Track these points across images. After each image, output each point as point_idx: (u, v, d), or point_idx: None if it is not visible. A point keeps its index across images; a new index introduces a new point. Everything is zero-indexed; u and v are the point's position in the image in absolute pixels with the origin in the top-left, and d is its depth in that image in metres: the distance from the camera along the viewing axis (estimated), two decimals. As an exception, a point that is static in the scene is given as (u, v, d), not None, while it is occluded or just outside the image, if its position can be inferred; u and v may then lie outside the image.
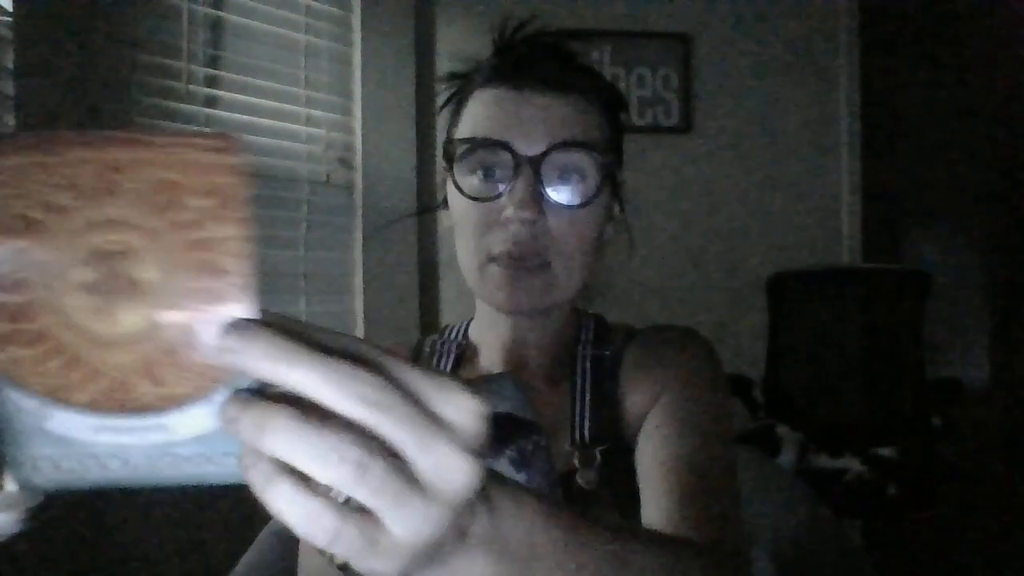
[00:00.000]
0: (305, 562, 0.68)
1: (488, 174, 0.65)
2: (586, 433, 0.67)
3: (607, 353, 0.71)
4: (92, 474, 0.30)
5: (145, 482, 0.29)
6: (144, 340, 0.28)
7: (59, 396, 0.28)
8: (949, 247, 3.28)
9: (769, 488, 0.96)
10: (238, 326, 0.27)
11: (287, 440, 0.26)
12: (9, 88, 1.25)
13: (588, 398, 0.68)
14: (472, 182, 0.66)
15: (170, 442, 0.29)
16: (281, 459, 0.27)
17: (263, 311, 0.28)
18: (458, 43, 2.18)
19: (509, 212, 0.63)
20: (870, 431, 2.16)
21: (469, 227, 0.66)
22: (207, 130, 0.27)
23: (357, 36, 1.97)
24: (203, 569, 1.50)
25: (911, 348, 2.21)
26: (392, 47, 2.04)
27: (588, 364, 0.70)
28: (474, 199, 0.65)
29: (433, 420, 0.28)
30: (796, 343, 2.31)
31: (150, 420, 0.28)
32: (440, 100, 0.74)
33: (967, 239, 3.29)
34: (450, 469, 0.28)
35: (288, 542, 0.84)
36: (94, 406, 0.28)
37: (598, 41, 2.31)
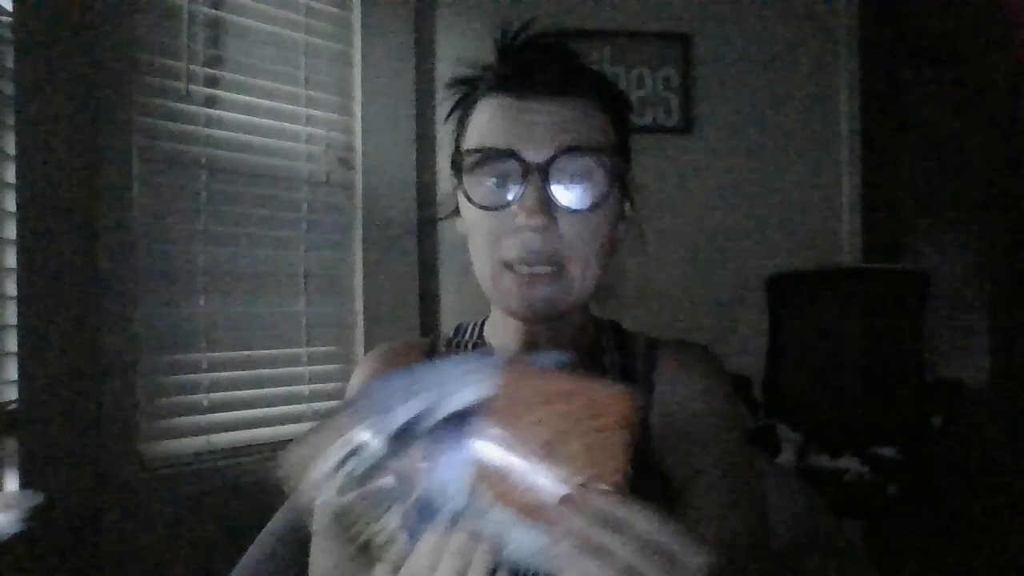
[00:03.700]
0: (319, 560, 0.69)
1: (497, 183, 0.66)
2: None
3: (635, 367, 0.72)
4: None
5: None
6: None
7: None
8: (949, 247, 3.28)
9: (769, 488, 0.96)
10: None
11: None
12: (9, 88, 1.25)
13: None
14: (482, 191, 0.66)
15: None
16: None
17: None
18: (458, 43, 2.17)
19: (520, 219, 0.64)
20: (870, 431, 2.16)
21: (482, 235, 0.67)
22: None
23: (357, 36, 1.97)
24: (203, 569, 1.51)
25: (911, 348, 2.21)
26: (392, 47, 2.04)
27: (617, 377, 0.72)
28: (485, 208, 0.66)
29: None
30: (796, 343, 2.31)
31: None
32: (442, 104, 0.74)
33: (967, 239, 3.29)
34: None
35: (287, 543, 0.84)
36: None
37: (598, 41, 2.31)
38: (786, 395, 2.27)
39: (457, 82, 0.72)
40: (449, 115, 0.73)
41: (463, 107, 0.72)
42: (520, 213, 0.64)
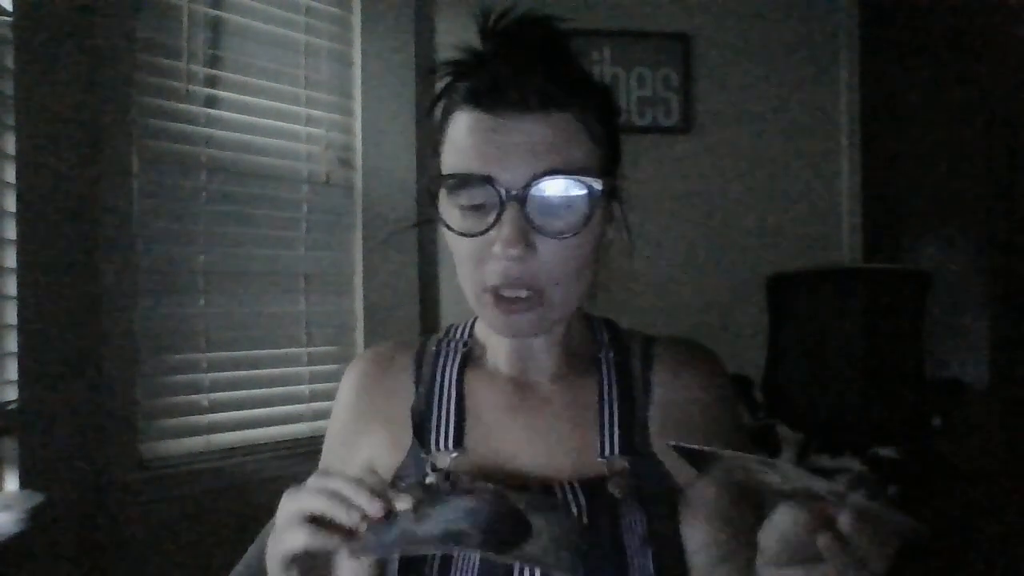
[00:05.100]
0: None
1: (474, 208, 0.62)
2: (616, 444, 0.68)
3: (631, 364, 0.72)
4: None
5: None
6: None
7: None
8: (949, 247, 3.28)
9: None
10: None
11: None
12: (9, 88, 1.25)
13: (617, 409, 0.69)
14: (458, 217, 0.63)
15: None
16: None
17: None
18: (458, 43, 2.17)
19: (497, 248, 0.61)
20: (870, 431, 2.16)
21: (462, 258, 0.65)
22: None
23: (357, 36, 1.97)
24: (203, 569, 1.50)
25: (911, 348, 2.21)
26: (392, 47, 2.04)
27: (613, 372, 0.71)
28: (462, 235, 0.63)
29: None
30: (796, 343, 2.31)
31: None
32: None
33: (967, 239, 3.29)
34: None
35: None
36: None
37: (598, 41, 2.31)
38: (786, 395, 2.27)
39: (444, 66, 0.69)
40: (430, 109, 0.70)
41: (441, 113, 0.68)
42: (497, 242, 0.61)
